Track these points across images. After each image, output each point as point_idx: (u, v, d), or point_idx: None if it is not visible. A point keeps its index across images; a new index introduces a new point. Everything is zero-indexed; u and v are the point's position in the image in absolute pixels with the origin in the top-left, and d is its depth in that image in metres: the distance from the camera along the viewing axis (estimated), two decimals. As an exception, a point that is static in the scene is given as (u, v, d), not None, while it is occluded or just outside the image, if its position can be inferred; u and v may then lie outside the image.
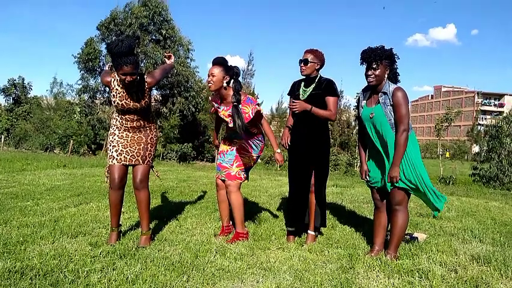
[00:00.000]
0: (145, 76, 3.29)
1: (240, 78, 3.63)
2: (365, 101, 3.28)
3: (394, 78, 3.23)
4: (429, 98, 67.77)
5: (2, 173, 7.81)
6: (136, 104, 3.26)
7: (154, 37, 25.07)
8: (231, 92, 3.48)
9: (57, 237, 3.34)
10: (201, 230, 3.83)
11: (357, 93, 17.93)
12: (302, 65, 3.56)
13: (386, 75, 3.14)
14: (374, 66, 3.09)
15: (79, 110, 27.66)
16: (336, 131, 24.25)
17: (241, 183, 3.66)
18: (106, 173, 3.39)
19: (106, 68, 3.66)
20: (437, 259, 3.14)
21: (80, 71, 25.48)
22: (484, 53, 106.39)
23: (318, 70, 3.60)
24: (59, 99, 35.57)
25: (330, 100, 3.53)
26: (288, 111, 4.48)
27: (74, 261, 2.80)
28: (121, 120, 3.35)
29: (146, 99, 3.31)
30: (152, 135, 3.45)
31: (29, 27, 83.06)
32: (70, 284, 2.47)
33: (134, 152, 3.33)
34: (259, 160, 4.00)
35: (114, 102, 3.28)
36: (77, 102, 28.85)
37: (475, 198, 7.37)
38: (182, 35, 25.89)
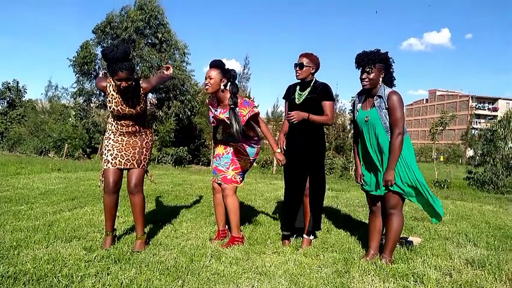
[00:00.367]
0: (141, 82, 3.29)
1: (236, 82, 3.64)
2: (360, 104, 3.30)
3: (390, 82, 3.24)
4: (424, 101, 68.14)
5: (-4, 177, 7.76)
6: (132, 109, 3.26)
7: (150, 41, 25.03)
8: (228, 95, 3.48)
9: (51, 242, 3.32)
10: (196, 234, 3.82)
11: (352, 97, 18.01)
12: (297, 69, 3.57)
13: (381, 79, 3.15)
14: (367, 70, 3.11)
15: (74, 113, 27.52)
16: (332, 134, 24.31)
17: (237, 186, 3.66)
18: (101, 177, 3.38)
19: (100, 75, 3.66)
20: (432, 263, 3.15)
21: (76, 74, 25.40)
22: (478, 57, 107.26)
23: (313, 74, 3.62)
24: (54, 103, 35.41)
25: (327, 104, 3.55)
26: (283, 114, 4.48)
27: (68, 266, 2.79)
28: (116, 125, 3.35)
29: (141, 105, 3.31)
30: (147, 139, 3.44)
31: (24, 29, 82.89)
32: (63, 289, 2.45)
33: (129, 156, 3.32)
34: (254, 164, 4.00)
35: (110, 108, 3.27)
36: (72, 105, 28.73)
37: (470, 202, 7.40)
38: (179, 38, 25.89)
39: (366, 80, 3.14)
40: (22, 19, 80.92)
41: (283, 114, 3.94)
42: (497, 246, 3.80)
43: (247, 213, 4.80)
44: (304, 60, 3.56)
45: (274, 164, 16.74)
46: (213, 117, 3.69)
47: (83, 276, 2.63)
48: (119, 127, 3.34)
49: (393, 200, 3.13)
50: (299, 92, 3.63)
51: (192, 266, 2.93)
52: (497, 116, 39.06)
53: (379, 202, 3.27)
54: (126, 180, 3.36)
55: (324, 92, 3.56)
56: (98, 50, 24.79)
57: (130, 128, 3.35)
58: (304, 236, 3.63)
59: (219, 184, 3.68)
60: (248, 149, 3.67)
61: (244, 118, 3.46)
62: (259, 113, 3.61)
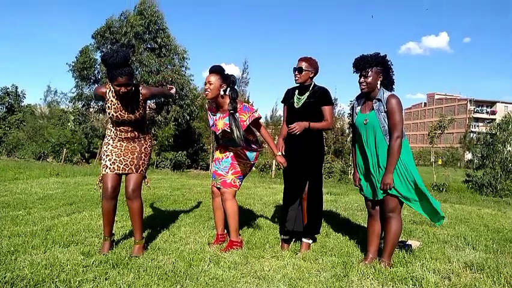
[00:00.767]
0: (140, 88, 3.29)
1: (235, 86, 3.65)
2: (359, 107, 3.31)
3: (389, 85, 3.24)
4: (423, 105, 68.29)
5: (-6, 182, 7.74)
6: (130, 115, 3.26)
7: (149, 45, 25.08)
8: (228, 100, 3.48)
9: (49, 247, 3.31)
10: (195, 239, 3.81)
11: (351, 101, 18.03)
12: (296, 73, 3.57)
13: (379, 82, 3.16)
14: (364, 73, 3.13)
15: (72, 118, 27.53)
16: (330, 138, 24.31)
17: (236, 190, 3.65)
18: (99, 182, 3.37)
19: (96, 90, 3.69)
20: (430, 266, 3.15)
21: (75, 79, 25.42)
22: (476, 60, 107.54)
23: (312, 78, 3.63)
24: (53, 108, 35.42)
25: (326, 109, 3.56)
26: (281, 118, 4.48)
27: (66, 271, 2.77)
28: (115, 131, 3.35)
29: (140, 111, 3.31)
30: (146, 145, 3.44)
31: (23, 35, 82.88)
32: (61, 294, 2.44)
33: (127, 160, 3.32)
34: (253, 168, 4.00)
35: (109, 114, 3.27)
36: (71, 110, 28.74)
37: (468, 205, 7.41)
38: (178, 43, 25.97)
39: (363, 83, 3.16)
40: (21, 24, 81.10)
41: (282, 118, 3.94)
42: (495, 250, 3.80)
43: (246, 218, 4.79)
44: (303, 65, 3.57)
45: (273, 168, 16.75)
46: (212, 124, 3.69)
47: (81, 281, 2.62)
48: (118, 133, 3.34)
49: (391, 203, 3.13)
50: (298, 96, 3.64)
51: (190, 270, 2.92)
52: (495, 119, 39.13)
53: (378, 206, 3.27)
54: (124, 185, 3.36)
55: (323, 97, 3.57)
56: (98, 55, 24.87)
57: (129, 133, 3.35)
58: (303, 240, 3.62)
59: (218, 188, 3.68)
60: (248, 153, 3.67)
61: (244, 123, 3.46)
62: (260, 117, 3.61)
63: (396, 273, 2.95)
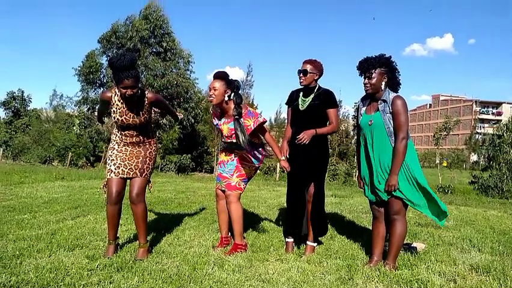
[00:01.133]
0: (146, 92, 3.31)
1: (240, 90, 3.65)
2: (364, 108, 3.30)
3: (395, 86, 3.23)
4: (428, 107, 68.00)
5: (0, 186, 7.79)
6: (136, 119, 3.28)
7: (154, 49, 25.23)
8: (232, 105, 3.49)
9: (54, 251, 3.32)
10: (199, 242, 3.81)
11: (355, 103, 17.98)
12: (301, 75, 3.57)
13: (384, 83, 3.15)
14: (368, 75, 3.13)
15: (78, 122, 27.71)
16: (335, 140, 24.27)
17: (241, 193, 3.65)
18: (104, 187, 3.38)
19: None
20: (436, 269, 3.13)
21: (81, 83, 25.60)
22: (481, 61, 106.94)
23: (316, 80, 3.62)
24: (59, 112, 35.64)
25: (331, 112, 3.56)
26: (286, 121, 4.48)
27: (71, 275, 2.78)
28: (120, 136, 3.36)
29: (145, 115, 3.32)
30: (151, 149, 3.45)
31: (29, 39, 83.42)
32: (66, 298, 2.45)
33: (132, 165, 3.33)
34: (258, 171, 4.00)
35: (114, 118, 3.29)
36: (76, 114, 28.91)
37: (474, 207, 7.36)
38: (183, 47, 26.09)
39: (368, 85, 3.16)
40: (27, 29, 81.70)
41: (286, 120, 3.94)
42: (502, 252, 3.77)
43: (250, 220, 4.79)
44: (308, 67, 3.56)
45: (278, 171, 16.73)
46: (217, 128, 3.69)
47: (86, 285, 2.63)
48: (123, 137, 3.36)
49: (396, 205, 3.12)
50: (302, 98, 3.64)
51: (195, 274, 2.92)
52: (501, 120, 38.92)
53: (382, 208, 3.25)
54: (128, 189, 3.37)
55: (327, 99, 3.57)
56: (104, 60, 25.06)
57: (134, 138, 3.36)
58: (308, 242, 3.61)
59: (223, 191, 3.68)
60: (253, 156, 3.67)
61: (249, 128, 3.47)
62: (265, 121, 3.61)
63: (401, 275, 2.93)
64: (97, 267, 2.95)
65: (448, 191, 13.82)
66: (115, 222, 3.37)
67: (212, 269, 3.03)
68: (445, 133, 17.54)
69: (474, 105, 58.47)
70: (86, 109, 27.00)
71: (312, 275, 2.97)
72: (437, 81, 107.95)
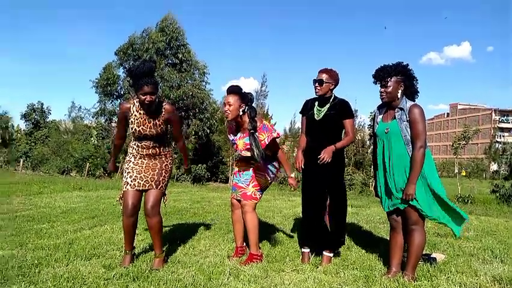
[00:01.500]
0: (164, 103, 3.35)
1: (254, 102, 3.66)
2: (380, 116, 3.27)
3: (412, 95, 3.20)
4: (445, 116, 67.13)
5: (20, 196, 7.93)
6: (152, 130, 3.31)
7: (170, 61, 25.55)
8: (247, 119, 3.49)
9: (71, 260, 3.35)
10: (215, 252, 3.80)
11: (371, 112, 17.82)
12: (317, 85, 3.55)
13: (400, 92, 3.12)
14: (384, 83, 3.10)
15: (95, 133, 28.15)
16: (351, 150, 24.07)
17: (256, 203, 3.64)
18: (120, 199, 3.40)
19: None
20: (456, 280, 3.05)
21: (98, 95, 26.05)
22: (500, 69, 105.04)
23: (332, 90, 3.60)
24: (77, 123, 36.28)
25: (347, 123, 3.54)
26: (300, 131, 4.46)
27: (88, 284, 2.80)
28: (137, 148, 3.40)
29: (162, 126, 3.36)
30: (167, 162, 3.47)
31: (49, 52, 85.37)
32: (82, 307, 2.46)
33: (148, 177, 3.35)
34: (273, 181, 3.98)
35: (131, 129, 3.33)
36: (94, 125, 29.40)
37: (495, 217, 7.18)
38: (198, 59, 26.37)
39: (383, 93, 3.13)
40: (47, 42, 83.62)
41: (300, 130, 3.93)
42: (525, 263, 3.65)
43: (266, 230, 4.76)
44: (324, 76, 3.55)
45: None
46: (233, 143, 3.70)
47: (102, 294, 2.64)
48: (140, 149, 3.39)
49: (414, 215, 3.06)
50: (318, 108, 3.62)
51: (210, 283, 2.90)
52: (521, 128, 38.12)
53: (399, 217, 3.20)
54: (143, 201, 3.38)
55: (343, 109, 3.54)
56: (121, 72, 25.47)
57: (151, 150, 3.39)
58: (324, 253, 3.57)
59: (238, 201, 3.67)
60: (268, 167, 3.67)
61: (263, 143, 3.47)
62: (279, 135, 3.60)
63: (421, 287, 2.87)
64: (114, 276, 2.97)
65: (467, 200, 13.51)
66: (131, 233, 3.38)
67: (228, 279, 3.01)
68: (464, 142, 17.23)
69: (493, 114, 57.47)
70: (103, 120, 27.43)
71: (328, 286, 2.93)
72: (454, 90, 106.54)
